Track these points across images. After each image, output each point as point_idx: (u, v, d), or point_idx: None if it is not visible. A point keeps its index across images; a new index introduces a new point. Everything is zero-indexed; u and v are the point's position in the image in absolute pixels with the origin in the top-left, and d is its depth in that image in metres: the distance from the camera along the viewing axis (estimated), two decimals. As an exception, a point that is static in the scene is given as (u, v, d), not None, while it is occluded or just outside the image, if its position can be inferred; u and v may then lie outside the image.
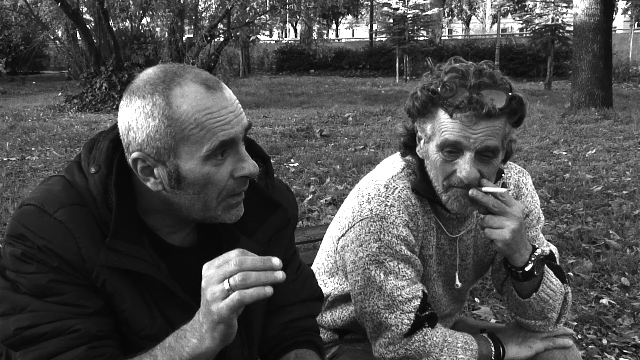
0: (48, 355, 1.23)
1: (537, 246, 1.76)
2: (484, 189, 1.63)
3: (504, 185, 1.86)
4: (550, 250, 1.94)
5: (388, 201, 1.75)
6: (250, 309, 1.46)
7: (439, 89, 1.61)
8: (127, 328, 1.31)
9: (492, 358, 1.83)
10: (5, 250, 1.26)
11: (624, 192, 6.34)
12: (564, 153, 8.60)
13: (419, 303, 1.75)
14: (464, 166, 1.62)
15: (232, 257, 1.15)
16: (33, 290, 1.23)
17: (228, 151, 1.26)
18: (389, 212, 1.74)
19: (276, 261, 1.16)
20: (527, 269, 1.72)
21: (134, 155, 1.24)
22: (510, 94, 1.61)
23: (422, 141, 1.74)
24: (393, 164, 1.86)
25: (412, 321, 1.74)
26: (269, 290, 1.14)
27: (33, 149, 9.59)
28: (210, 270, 1.16)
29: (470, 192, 1.64)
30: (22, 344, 1.24)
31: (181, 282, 1.34)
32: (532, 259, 1.72)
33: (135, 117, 1.22)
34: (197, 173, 1.24)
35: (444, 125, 1.62)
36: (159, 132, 1.21)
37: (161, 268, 1.31)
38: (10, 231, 1.26)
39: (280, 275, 1.15)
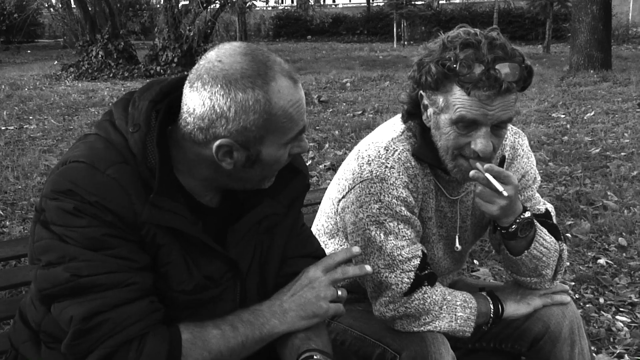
0: (111, 304, 1.25)
1: (527, 208, 1.79)
2: (486, 173, 1.64)
3: (502, 159, 1.88)
4: (546, 209, 1.97)
5: (388, 163, 1.76)
6: (266, 265, 1.54)
7: (455, 66, 1.59)
8: (165, 282, 1.35)
9: (491, 315, 1.87)
10: (49, 205, 1.27)
11: (622, 153, 6.36)
12: (563, 116, 8.59)
13: (419, 262, 1.78)
14: (481, 141, 1.63)
15: (335, 263, 1.52)
16: (85, 243, 1.25)
17: (299, 135, 1.36)
18: (389, 174, 1.75)
19: (369, 269, 1.53)
20: (511, 230, 1.76)
21: (222, 141, 1.29)
22: (523, 65, 1.61)
23: (429, 111, 1.73)
24: (393, 127, 1.87)
25: (411, 280, 1.77)
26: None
27: (31, 117, 9.56)
28: (317, 273, 1.50)
29: (471, 174, 1.66)
30: (73, 292, 1.25)
31: (213, 238, 1.40)
32: (517, 221, 1.75)
33: (234, 109, 1.26)
34: (274, 156, 1.35)
35: (460, 101, 1.61)
36: (256, 124, 1.28)
37: (198, 225, 1.36)
38: (55, 187, 1.27)
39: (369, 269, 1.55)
